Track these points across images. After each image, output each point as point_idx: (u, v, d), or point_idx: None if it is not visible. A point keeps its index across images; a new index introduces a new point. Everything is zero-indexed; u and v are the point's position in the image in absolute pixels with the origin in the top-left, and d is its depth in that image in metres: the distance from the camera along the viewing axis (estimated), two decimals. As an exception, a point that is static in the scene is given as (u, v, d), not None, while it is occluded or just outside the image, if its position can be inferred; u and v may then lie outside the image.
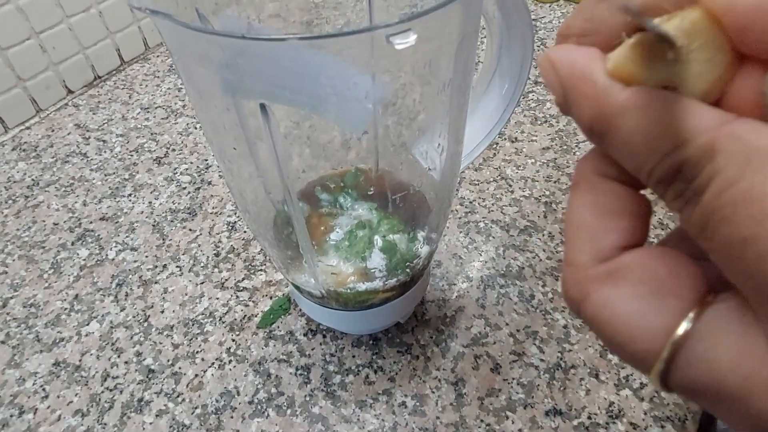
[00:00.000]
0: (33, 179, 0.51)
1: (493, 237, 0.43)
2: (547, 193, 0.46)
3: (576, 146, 0.50)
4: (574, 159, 0.49)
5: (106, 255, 0.44)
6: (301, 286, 0.33)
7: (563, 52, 0.13)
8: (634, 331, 0.11)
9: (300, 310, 0.39)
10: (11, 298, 0.41)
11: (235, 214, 0.46)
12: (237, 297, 0.40)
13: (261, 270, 0.42)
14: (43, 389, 0.36)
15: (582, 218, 0.13)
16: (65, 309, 0.40)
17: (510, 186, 0.47)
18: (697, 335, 0.10)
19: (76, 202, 0.48)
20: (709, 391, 0.10)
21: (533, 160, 0.49)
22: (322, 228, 0.35)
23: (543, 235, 0.43)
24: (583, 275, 0.12)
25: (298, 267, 0.32)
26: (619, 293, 0.12)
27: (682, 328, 0.11)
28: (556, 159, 0.49)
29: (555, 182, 0.47)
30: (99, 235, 0.45)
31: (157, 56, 0.66)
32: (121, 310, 0.40)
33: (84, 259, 0.44)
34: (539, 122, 0.53)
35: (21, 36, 0.54)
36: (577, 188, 0.14)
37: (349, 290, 0.31)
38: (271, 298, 0.40)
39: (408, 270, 0.32)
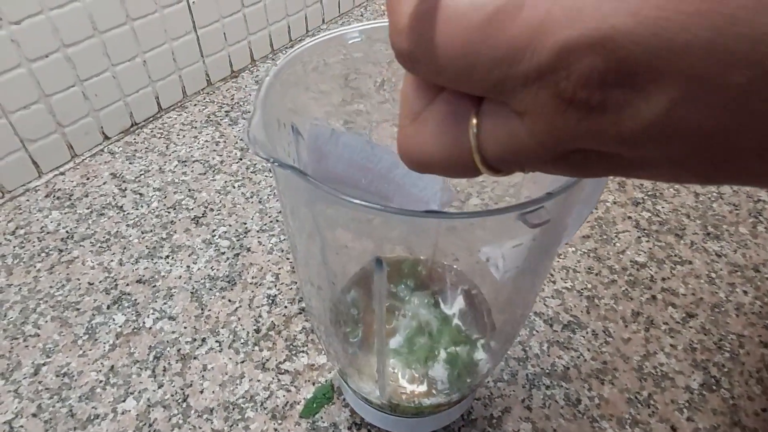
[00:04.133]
0: (67, 231, 0.50)
1: (537, 331, 0.43)
2: (589, 286, 0.46)
3: (615, 236, 0.50)
4: (614, 250, 0.49)
5: (143, 323, 0.43)
6: (362, 394, 0.32)
7: None
8: (447, 142, 0.14)
9: (344, 399, 0.38)
10: (44, 364, 0.40)
11: (275, 286, 0.46)
12: (279, 380, 0.39)
13: (303, 351, 0.41)
14: (78, 473, 0.34)
15: (405, 92, 0.15)
16: (100, 381, 0.39)
17: (552, 276, 0.47)
18: (485, 122, 0.13)
19: (112, 261, 0.48)
20: (509, 151, 0.13)
21: (574, 249, 0.49)
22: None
23: (587, 332, 0.43)
24: (404, 131, 0.15)
25: (361, 376, 0.31)
26: (425, 127, 0.14)
27: (473, 122, 0.13)
28: (596, 249, 0.49)
29: (596, 275, 0.47)
30: (136, 300, 0.45)
31: (194, 105, 0.66)
32: (159, 387, 0.39)
33: (120, 326, 0.43)
34: (578, 207, 0.53)
35: (66, 83, 0.54)
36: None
37: (412, 404, 0.30)
38: (314, 384, 0.39)
39: (470, 384, 0.31)
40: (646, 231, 0.51)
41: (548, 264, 0.29)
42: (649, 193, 0.55)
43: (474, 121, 0.13)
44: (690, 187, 0.55)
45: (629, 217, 0.52)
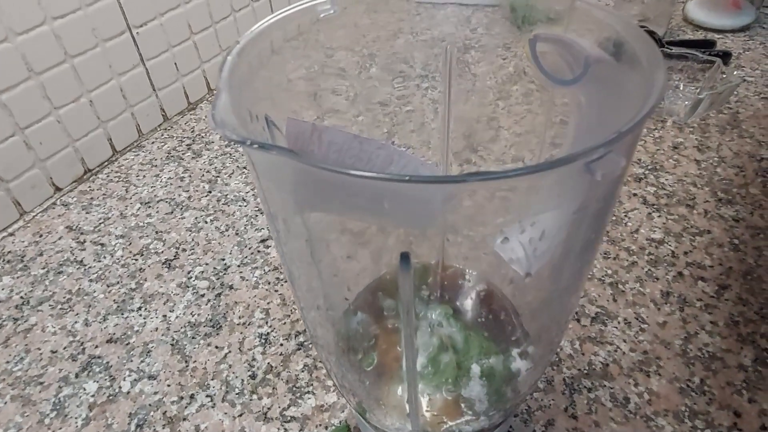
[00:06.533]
0: (22, 297, 0.44)
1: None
2: (609, 272, 0.42)
3: (625, 216, 0.47)
4: (627, 230, 0.45)
5: (119, 387, 0.37)
6: (388, 431, 0.27)
7: None
8: None
9: (363, 441, 0.33)
10: (6, 454, 0.34)
11: (267, 323, 0.40)
12: (285, 430, 0.34)
13: (309, 392, 0.36)
14: None
15: None
16: (75, 464, 0.33)
17: (568, 267, 0.43)
18: None
19: (76, 322, 0.42)
20: None
21: (584, 235, 0.45)
22: (394, 350, 0.29)
23: (618, 322, 0.39)
24: None
25: (384, 409, 0.27)
26: None
27: None
28: (608, 232, 0.45)
29: (614, 259, 0.43)
30: (108, 362, 0.39)
31: (152, 143, 0.61)
32: (146, 460, 0.33)
33: (93, 395, 0.37)
34: (579, 192, 0.50)
35: (4, 133, 0.48)
36: None
37: (451, 434, 0.25)
38: (326, 428, 0.34)
39: (513, 400, 0.27)
40: (655, 206, 0.48)
41: (590, 255, 0.25)
42: (649, 167, 0.52)
43: None
44: (690, 156, 0.53)
45: (635, 194, 0.49)
